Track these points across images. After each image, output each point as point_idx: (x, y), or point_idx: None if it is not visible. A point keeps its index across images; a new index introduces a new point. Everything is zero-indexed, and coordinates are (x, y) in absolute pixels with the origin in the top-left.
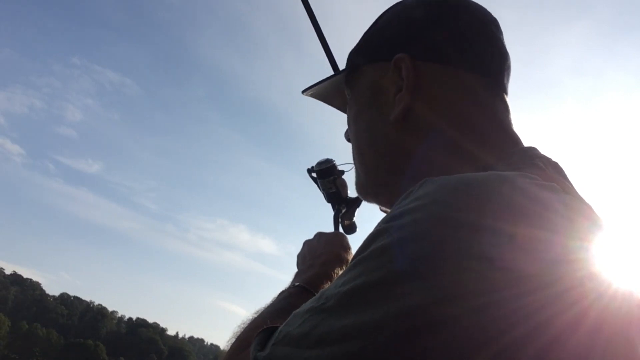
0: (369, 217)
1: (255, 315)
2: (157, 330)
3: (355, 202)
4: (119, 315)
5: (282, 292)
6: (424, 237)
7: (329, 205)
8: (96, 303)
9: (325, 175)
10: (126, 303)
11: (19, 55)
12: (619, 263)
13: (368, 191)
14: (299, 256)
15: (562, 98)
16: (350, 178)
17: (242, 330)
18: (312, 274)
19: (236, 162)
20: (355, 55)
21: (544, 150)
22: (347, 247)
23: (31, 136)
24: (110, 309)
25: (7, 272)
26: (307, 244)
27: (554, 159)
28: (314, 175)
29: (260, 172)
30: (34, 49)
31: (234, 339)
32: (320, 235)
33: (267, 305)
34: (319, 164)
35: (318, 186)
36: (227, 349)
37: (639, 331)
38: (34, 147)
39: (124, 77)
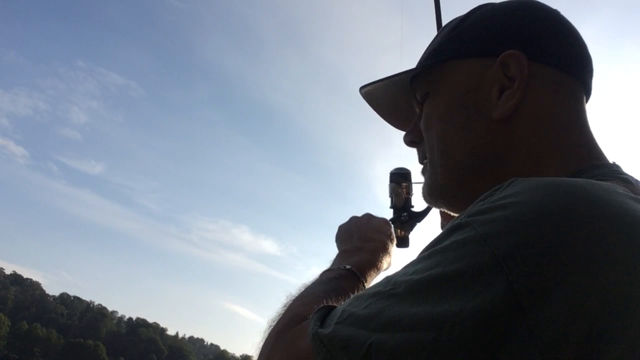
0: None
1: (304, 290)
2: (157, 330)
3: (419, 216)
4: (119, 315)
5: (330, 270)
6: (511, 233)
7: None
8: (96, 303)
9: (400, 180)
10: (126, 303)
11: (24, 57)
12: None
13: (445, 192)
14: (341, 228)
15: None
16: (419, 195)
17: (293, 303)
18: (361, 260)
19: (238, 163)
20: (443, 48)
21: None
22: (393, 239)
23: (35, 138)
24: (110, 309)
25: (7, 272)
26: (355, 221)
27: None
28: (390, 177)
29: (261, 173)
30: (39, 52)
31: (283, 309)
32: (370, 218)
33: (314, 282)
34: (397, 168)
35: (391, 190)
36: (274, 319)
37: None
38: (38, 149)
39: (129, 80)
